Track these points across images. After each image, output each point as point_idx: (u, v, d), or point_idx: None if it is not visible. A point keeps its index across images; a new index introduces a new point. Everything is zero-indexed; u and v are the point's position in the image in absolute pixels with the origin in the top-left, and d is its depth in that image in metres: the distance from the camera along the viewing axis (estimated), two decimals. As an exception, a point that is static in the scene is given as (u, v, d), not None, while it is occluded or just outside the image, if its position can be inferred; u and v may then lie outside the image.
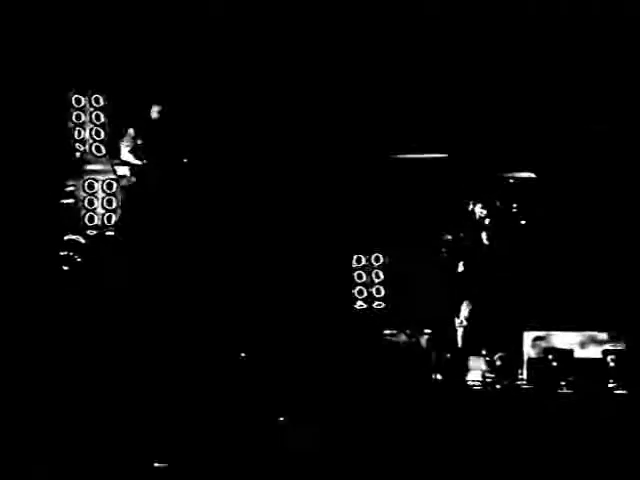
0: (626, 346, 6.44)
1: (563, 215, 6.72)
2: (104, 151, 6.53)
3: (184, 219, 6.38)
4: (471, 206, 6.62)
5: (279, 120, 6.74)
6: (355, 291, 6.67)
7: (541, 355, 6.51)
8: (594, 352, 6.54)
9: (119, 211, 6.44)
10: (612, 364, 6.43)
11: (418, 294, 6.61)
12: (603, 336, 6.64)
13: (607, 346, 6.54)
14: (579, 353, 6.56)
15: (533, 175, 6.65)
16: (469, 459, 5.81)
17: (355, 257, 6.64)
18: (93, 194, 6.40)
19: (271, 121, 6.70)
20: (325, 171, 6.69)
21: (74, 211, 6.37)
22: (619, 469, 5.74)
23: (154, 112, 6.55)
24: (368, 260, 6.63)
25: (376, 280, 6.66)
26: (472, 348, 6.50)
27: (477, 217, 6.56)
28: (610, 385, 6.29)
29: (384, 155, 6.72)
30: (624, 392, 6.24)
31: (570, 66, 6.77)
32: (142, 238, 6.36)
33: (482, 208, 6.54)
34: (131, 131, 6.60)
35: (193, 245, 6.43)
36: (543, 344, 6.63)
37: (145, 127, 6.56)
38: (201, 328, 6.26)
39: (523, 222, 6.65)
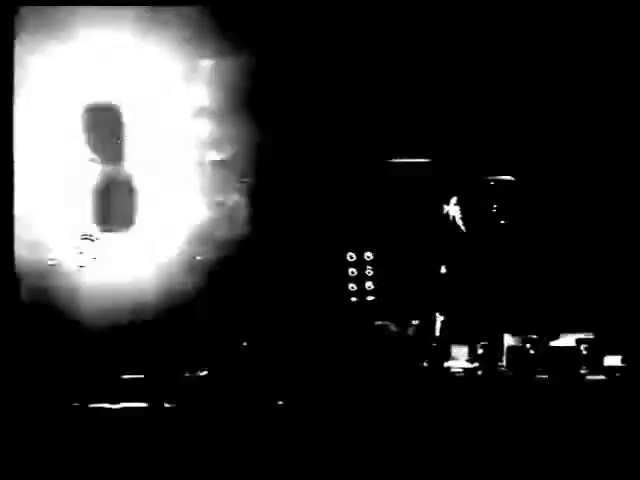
0: (596, 336, 6.85)
1: (541, 216, 7.03)
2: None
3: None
4: (451, 207, 7.03)
5: (278, 124, 7.04)
6: (349, 285, 7.09)
7: (519, 344, 6.80)
8: (569, 341, 6.80)
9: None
10: (584, 352, 6.76)
11: (404, 289, 7.04)
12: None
13: (581, 335, 6.83)
14: (555, 342, 6.81)
15: (512, 178, 7.06)
16: (453, 439, 6.32)
17: (348, 254, 7.08)
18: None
19: (272, 124, 7.06)
20: (321, 176, 7.08)
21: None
22: (587, 446, 6.29)
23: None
24: (359, 257, 7.07)
25: (368, 275, 7.09)
26: (455, 338, 6.84)
27: (458, 217, 6.96)
28: (582, 371, 6.64)
29: (376, 160, 7.11)
30: (595, 377, 6.59)
31: (550, 73, 7.06)
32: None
33: (462, 209, 6.94)
34: None
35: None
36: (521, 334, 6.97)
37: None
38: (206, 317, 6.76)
39: (502, 222, 7.03)
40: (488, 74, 6.99)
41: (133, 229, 6.74)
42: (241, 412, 6.26)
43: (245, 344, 6.59)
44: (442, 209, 6.93)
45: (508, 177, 6.99)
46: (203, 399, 6.28)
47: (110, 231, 6.69)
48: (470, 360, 6.78)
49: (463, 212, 6.89)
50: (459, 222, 6.87)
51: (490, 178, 7.00)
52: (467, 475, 6.22)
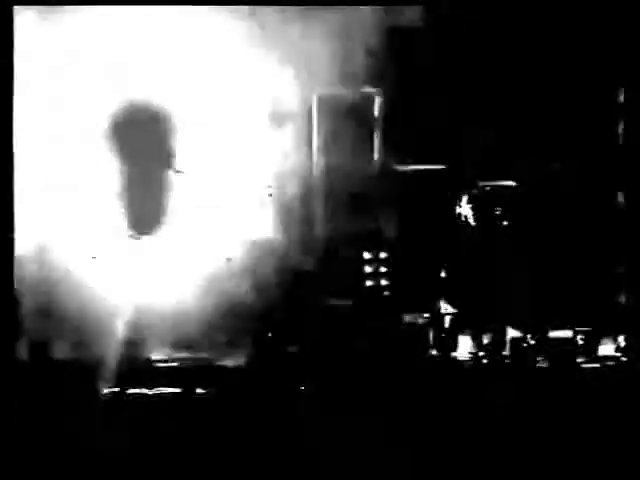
0: (592, 328, 7.29)
1: (540, 218, 7.50)
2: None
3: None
4: (463, 207, 7.47)
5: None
6: (365, 282, 7.46)
7: (521, 335, 7.27)
8: (567, 332, 7.29)
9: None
10: (581, 342, 7.26)
11: (416, 284, 7.55)
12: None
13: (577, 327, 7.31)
14: (553, 333, 7.29)
15: (514, 183, 7.54)
16: (459, 420, 6.79)
17: (365, 253, 7.48)
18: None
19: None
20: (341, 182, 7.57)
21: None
22: (580, 425, 6.78)
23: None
24: (375, 256, 7.53)
25: (382, 272, 7.51)
26: (462, 329, 7.33)
27: (464, 220, 7.48)
28: (578, 360, 7.13)
29: (389, 166, 7.62)
30: (591, 365, 7.10)
31: (550, 82, 7.51)
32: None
33: (469, 212, 7.47)
34: None
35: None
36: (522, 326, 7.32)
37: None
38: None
39: (505, 222, 7.44)
40: (496, 92, 7.50)
41: (172, 229, 7.29)
42: (268, 396, 6.79)
43: (270, 334, 7.14)
44: (454, 209, 7.47)
45: (511, 182, 7.52)
46: (235, 385, 6.83)
47: (145, 234, 7.25)
48: (476, 350, 7.28)
49: (472, 212, 7.39)
50: (470, 220, 7.39)
51: (495, 183, 7.53)
52: (474, 453, 6.73)
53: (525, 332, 7.30)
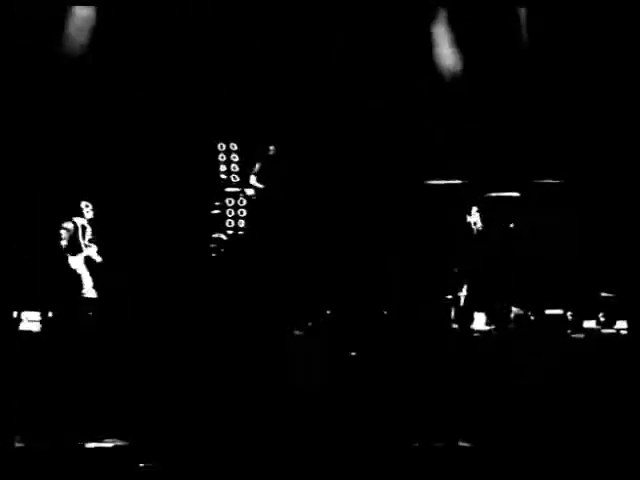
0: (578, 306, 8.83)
1: (537, 222, 9.30)
2: (238, 179, 9.38)
3: (290, 225, 9.16)
4: (470, 217, 9.26)
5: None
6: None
7: (523, 312, 8.74)
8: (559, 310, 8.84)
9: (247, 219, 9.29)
10: (570, 317, 8.79)
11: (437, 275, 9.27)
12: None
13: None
14: (548, 311, 8.81)
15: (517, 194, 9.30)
16: (472, 380, 7.70)
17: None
18: (231, 207, 9.38)
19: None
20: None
21: (221, 218, 9.31)
22: (568, 377, 7.70)
23: (271, 152, 9.40)
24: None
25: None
26: (475, 307, 8.88)
27: (474, 224, 9.16)
28: (569, 331, 8.46)
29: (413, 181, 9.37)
30: (579, 336, 8.38)
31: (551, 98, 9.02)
32: (261, 237, 9.24)
33: (478, 218, 9.18)
34: (257, 165, 9.36)
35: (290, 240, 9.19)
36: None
37: (266, 163, 9.33)
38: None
39: (511, 226, 9.25)
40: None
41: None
42: (327, 360, 7.86)
43: (329, 312, 8.58)
44: (466, 217, 9.24)
45: (515, 193, 9.35)
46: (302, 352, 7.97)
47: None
48: (487, 323, 8.87)
49: (480, 219, 9.21)
50: (478, 225, 9.18)
51: (498, 194, 9.41)
52: (482, 402, 7.70)
53: (526, 310, 8.94)
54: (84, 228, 8.41)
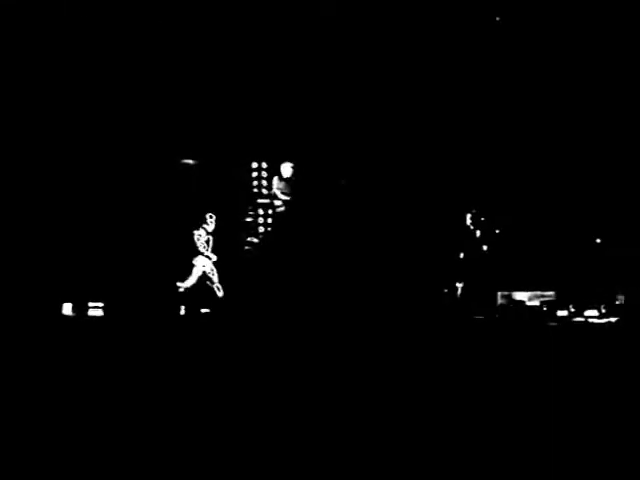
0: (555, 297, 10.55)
1: (525, 221, 10.79)
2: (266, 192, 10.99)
3: (311, 232, 10.52)
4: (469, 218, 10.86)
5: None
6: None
7: (505, 303, 10.51)
8: (536, 302, 10.53)
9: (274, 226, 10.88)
10: (545, 309, 10.43)
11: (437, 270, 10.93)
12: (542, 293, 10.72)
13: (543, 298, 10.50)
14: (528, 303, 10.54)
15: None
16: (471, 359, 8.08)
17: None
18: (261, 215, 11.04)
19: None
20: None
21: (253, 225, 10.99)
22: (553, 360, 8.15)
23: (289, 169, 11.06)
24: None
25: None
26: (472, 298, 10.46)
27: (470, 224, 10.78)
28: (544, 321, 9.99)
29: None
30: (553, 324, 9.83)
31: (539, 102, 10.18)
32: (286, 242, 10.80)
33: (473, 219, 10.83)
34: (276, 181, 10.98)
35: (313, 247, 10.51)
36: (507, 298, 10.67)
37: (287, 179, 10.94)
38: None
39: (498, 229, 10.82)
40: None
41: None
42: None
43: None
44: (465, 220, 10.73)
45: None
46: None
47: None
48: (478, 313, 10.49)
49: (476, 221, 10.76)
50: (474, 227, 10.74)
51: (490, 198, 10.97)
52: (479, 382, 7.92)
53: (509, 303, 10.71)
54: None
